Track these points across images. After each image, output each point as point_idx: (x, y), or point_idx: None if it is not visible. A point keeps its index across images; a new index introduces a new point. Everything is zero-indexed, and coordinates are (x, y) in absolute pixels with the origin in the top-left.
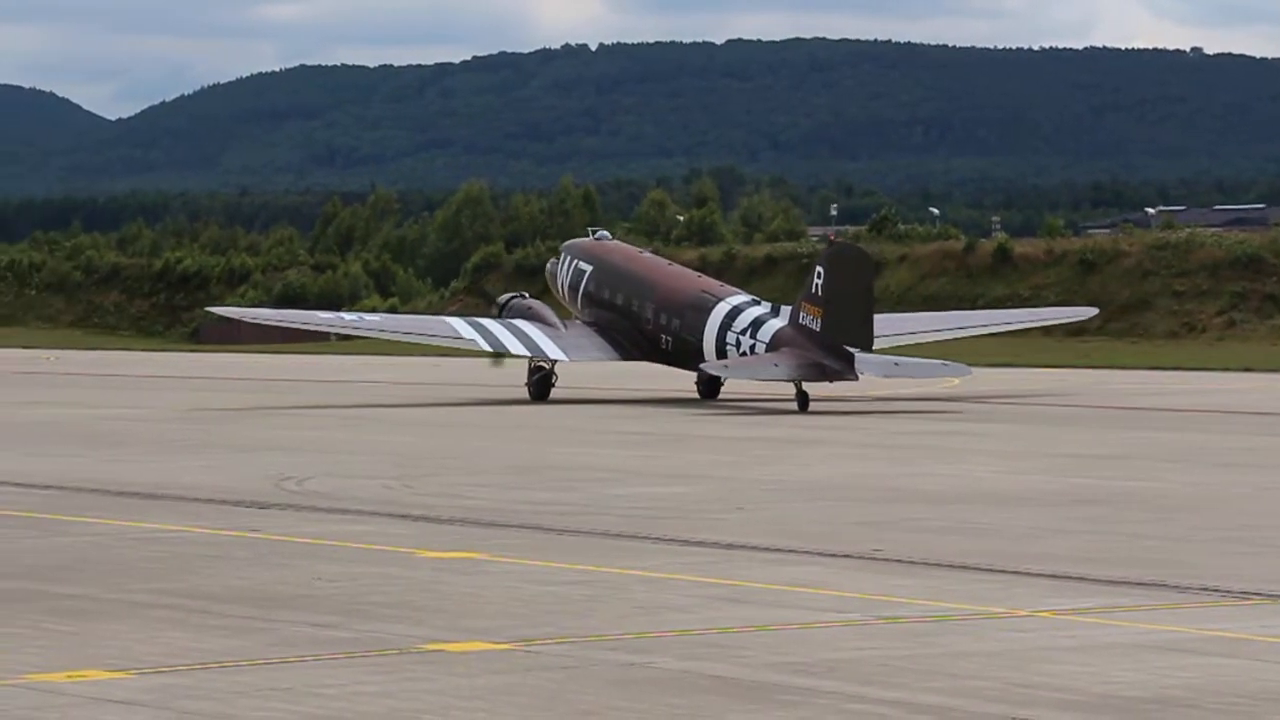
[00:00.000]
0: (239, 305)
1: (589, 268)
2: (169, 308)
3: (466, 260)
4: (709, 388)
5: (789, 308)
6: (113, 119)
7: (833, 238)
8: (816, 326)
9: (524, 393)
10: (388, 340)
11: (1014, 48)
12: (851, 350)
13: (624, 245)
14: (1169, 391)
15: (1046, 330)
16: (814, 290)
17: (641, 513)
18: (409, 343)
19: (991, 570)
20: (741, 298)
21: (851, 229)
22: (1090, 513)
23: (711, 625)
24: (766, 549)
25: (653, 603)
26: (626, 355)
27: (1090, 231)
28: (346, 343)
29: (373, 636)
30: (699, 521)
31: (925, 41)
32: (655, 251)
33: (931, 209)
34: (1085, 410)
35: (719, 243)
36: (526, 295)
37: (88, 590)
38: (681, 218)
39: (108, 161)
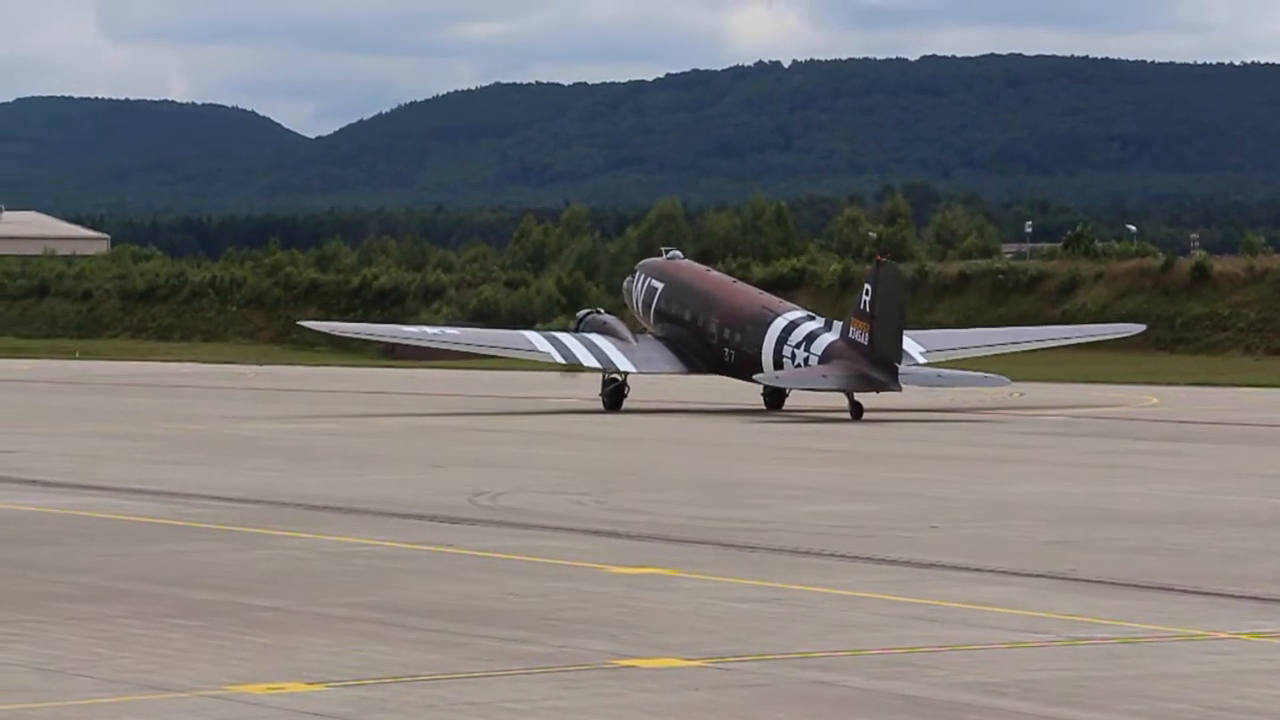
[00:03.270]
0: (434, 322)
1: (660, 285)
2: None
3: None
4: (774, 399)
5: (840, 323)
6: (312, 137)
7: (880, 259)
8: (864, 340)
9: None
10: (470, 354)
11: (1214, 63)
12: (896, 364)
13: (694, 264)
14: None
15: (1246, 348)
16: (862, 306)
17: (833, 530)
18: (488, 356)
19: (1190, 591)
20: (798, 313)
21: (1046, 246)
22: None
23: (903, 644)
24: (959, 568)
25: (844, 621)
26: (693, 368)
27: None
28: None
29: (565, 652)
30: (891, 540)
31: (1123, 57)
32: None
33: (1129, 226)
34: None
35: (911, 260)
36: (602, 311)
37: (286, 603)
38: (874, 234)
39: (307, 179)
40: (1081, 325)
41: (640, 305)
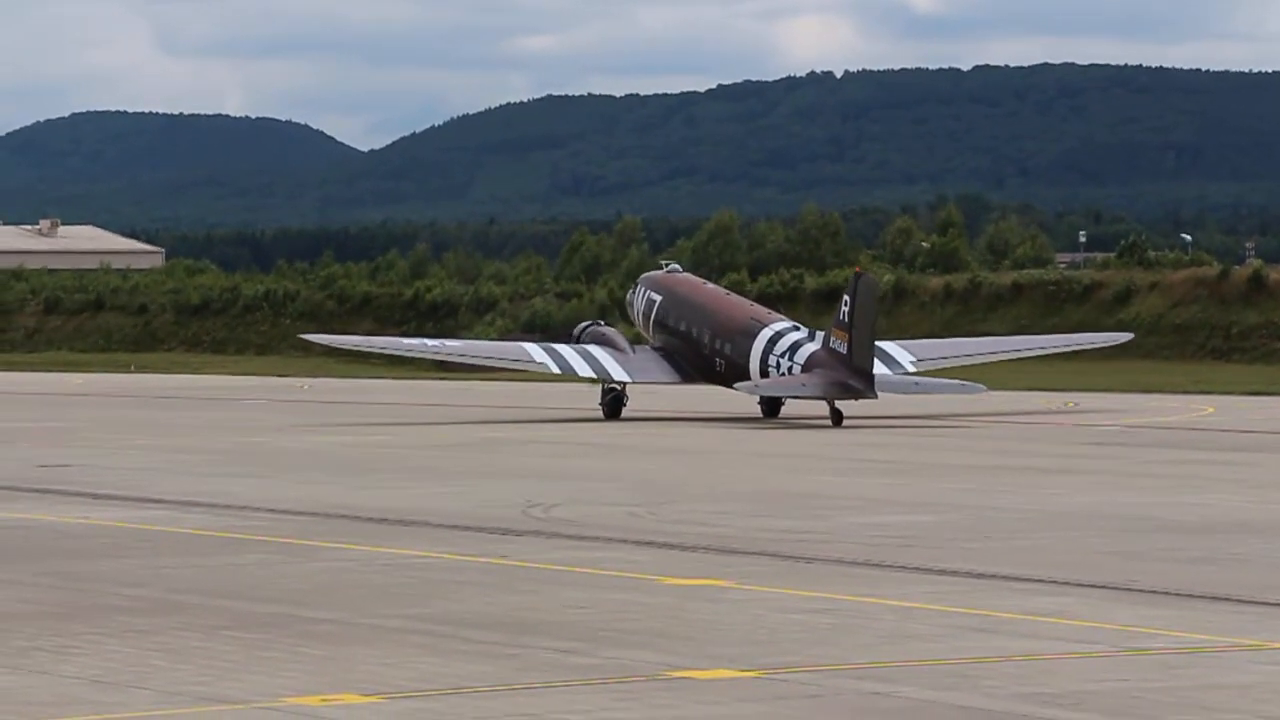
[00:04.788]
0: (486, 335)
1: (659, 298)
2: (419, 336)
3: None
4: (770, 407)
5: (822, 333)
6: (365, 150)
7: (859, 270)
8: (844, 350)
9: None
10: (471, 364)
11: (1269, 71)
12: (874, 372)
13: (691, 277)
14: None
15: None
16: (842, 317)
17: (887, 541)
18: (487, 366)
19: (1247, 601)
20: (784, 324)
21: (1100, 255)
22: None
23: (958, 655)
24: (1015, 578)
25: (898, 632)
26: (687, 378)
27: None
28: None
29: (618, 663)
30: (946, 550)
31: (1177, 65)
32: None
33: (1184, 235)
34: None
35: (963, 270)
36: (602, 323)
37: (340, 615)
38: (926, 245)
39: (360, 192)
40: (1067, 335)
41: (640, 317)
